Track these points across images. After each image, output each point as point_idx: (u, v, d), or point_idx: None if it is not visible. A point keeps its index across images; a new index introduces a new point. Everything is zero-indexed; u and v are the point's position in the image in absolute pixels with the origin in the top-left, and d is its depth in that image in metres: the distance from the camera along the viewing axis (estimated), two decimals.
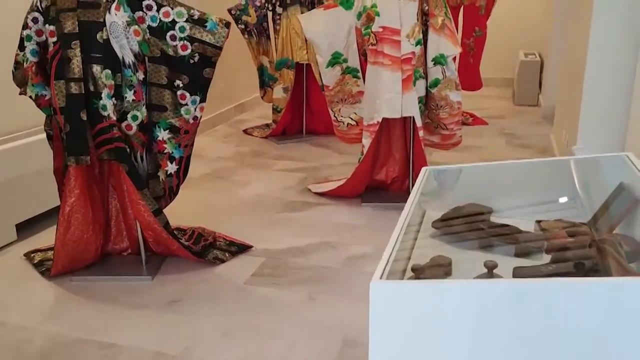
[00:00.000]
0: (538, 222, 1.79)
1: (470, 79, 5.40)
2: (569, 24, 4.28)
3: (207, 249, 2.89)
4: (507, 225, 1.73)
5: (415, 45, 3.26)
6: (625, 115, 2.93)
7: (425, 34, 3.34)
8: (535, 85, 6.41)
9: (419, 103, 3.32)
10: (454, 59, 3.36)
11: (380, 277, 1.18)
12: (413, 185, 3.56)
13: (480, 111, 5.95)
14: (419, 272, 1.39)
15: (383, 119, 3.33)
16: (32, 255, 2.88)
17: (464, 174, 2.06)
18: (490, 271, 1.40)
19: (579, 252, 1.32)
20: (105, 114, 2.42)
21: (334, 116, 3.62)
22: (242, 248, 2.96)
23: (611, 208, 1.70)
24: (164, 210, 2.69)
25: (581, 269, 1.36)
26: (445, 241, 1.74)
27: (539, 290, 1.08)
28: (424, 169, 1.92)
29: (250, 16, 4.75)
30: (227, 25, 2.57)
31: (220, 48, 2.56)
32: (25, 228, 3.20)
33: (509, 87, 7.32)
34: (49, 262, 2.77)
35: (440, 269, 1.49)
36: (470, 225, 1.75)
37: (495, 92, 7.00)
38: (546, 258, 1.60)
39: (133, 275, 2.69)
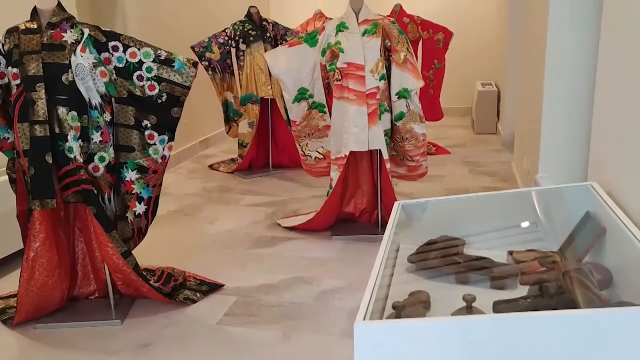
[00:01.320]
0: (510, 252, 1.83)
1: (431, 109, 5.53)
2: (522, 53, 4.45)
3: (178, 289, 2.84)
4: (482, 258, 1.76)
5: (379, 80, 3.33)
6: (585, 142, 3.04)
7: (388, 69, 3.42)
8: (494, 114, 6.61)
9: (384, 136, 3.38)
10: (417, 92, 3.44)
11: (364, 318, 1.18)
12: (381, 216, 3.62)
13: (442, 140, 6.08)
14: (399, 310, 1.39)
15: (350, 152, 3.37)
16: None
17: (435, 207, 2.10)
18: (469, 305, 1.42)
19: (553, 284, 1.35)
20: (72, 156, 2.38)
21: (302, 150, 3.64)
22: (213, 287, 2.91)
23: (579, 236, 1.75)
24: (132, 251, 2.63)
25: (547, 293, 1.40)
26: (422, 275, 1.75)
27: (521, 324, 1.10)
28: (396, 203, 1.95)
29: (213, 53, 4.77)
30: (195, 64, 2.58)
31: (188, 87, 2.56)
32: None
33: (467, 116, 7.52)
34: (11, 310, 2.67)
35: (419, 304, 1.51)
36: (445, 259, 1.78)
37: (455, 122, 7.18)
38: (521, 289, 1.64)
39: (101, 320, 2.61)
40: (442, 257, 1.78)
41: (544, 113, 3.21)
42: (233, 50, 4.93)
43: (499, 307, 1.29)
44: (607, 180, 1.80)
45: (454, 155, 5.63)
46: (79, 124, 2.41)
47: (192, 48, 4.73)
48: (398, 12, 5.62)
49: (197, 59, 2.96)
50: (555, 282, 1.37)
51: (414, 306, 1.46)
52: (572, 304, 1.21)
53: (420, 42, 5.62)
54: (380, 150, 3.38)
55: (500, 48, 6.59)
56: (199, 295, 2.83)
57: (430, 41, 5.60)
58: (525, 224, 1.94)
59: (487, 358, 1.12)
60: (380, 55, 3.34)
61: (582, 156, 3.09)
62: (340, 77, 3.33)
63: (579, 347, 1.09)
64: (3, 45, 2.38)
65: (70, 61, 2.36)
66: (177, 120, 2.60)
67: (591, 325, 1.09)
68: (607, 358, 1.07)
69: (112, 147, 2.51)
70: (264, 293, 2.87)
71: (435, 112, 5.67)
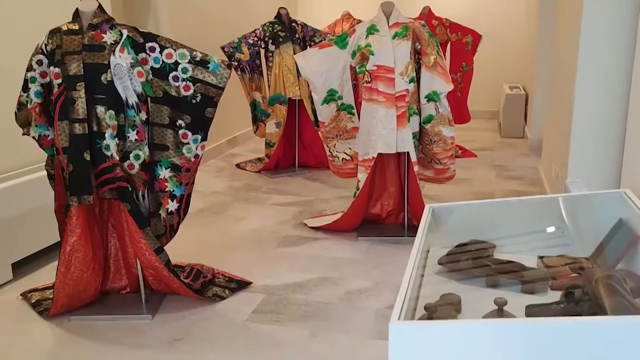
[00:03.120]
0: (541, 257, 1.84)
1: (458, 112, 5.51)
2: (552, 57, 4.42)
3: (207, 285, 2.89)
4: (512, 262, 1.77)
5: (409, 83, 3.34)
6: (616, 148, 3.02)
7: (418, 71, 3.43)
8: (521, 118, 6.56)
9: (413, 139, 3.39)
10: (446, 95, 3.44)
11: (399, 318, 1.20)
12: (408, 219, 3.63)
13: (469, 143, 6.06)
14: (431, 311, 1.41)
15: (378, 154, 3.39)
16: (29, 294, 2.85)
17: (464, 211, 2.11)
18: (500, 308, 1.43)
19: (586, 289, 1.36)
20: (109, 153, 2.45)
21: (329, 151, 3.68)
22: (241, 284, 2.96)
23: (612, 243, 1.75)
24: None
25: (571, 299, 1.40)
26: (452, 278, 1.77)
27: (554, 329, 1.12)
28: (427, 206, 1.97)
29: (243, 53, 4.83)
30: (229, 66, 2.63)
31: (223, 88, 2.61)
32: (21, 267, 3.17)
33: (494, 120, 7.48)
34: (47, 301, 2.75)
35: (450, 307, 1.52)
36: (475, 262, 1.79)
37: (481, 125, 7.15)
38: (552, 294, 1.65)
39: (133, 314, 2.67)
40: (472, 260, 1.79)
41: (574, 118, 3.19)
42: (262, 51, 4.99)
43: (532, 310, 1.30)
44: None
45: (481, 158, 5.61)
46: (116, 123, 2.47)
47: (222, 48, 4.80)
48: (427, 15, 5.62)
49: (231, 62, 3.01)
50: (587, 288, 1.38)
51: (446, 308, 1.48)
52: (604, 311, 1.21)
53: (449, 45, 5.61)
54: (408, 152, 3.39)
55: (529, 51, 6.53)
56: (227, 292, 2.88)
57: (459, 44, 5.59)
58: (555, 230, 1.94)
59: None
60: (410, 58, 3.35)
61: (613, 162, 3.07)
62: (369, 79, 3.36)
63: (612, 354, 1.10)
64: (46, 45, 2.46)
65: (109, 61, 2.43)
66: (211, 121, 2.65)
67: (625, 333, 1.10)
68: None
69: (147, 146, 2.57)
70: (291, 292, 2.91)
71: (462, 114, 5.65)
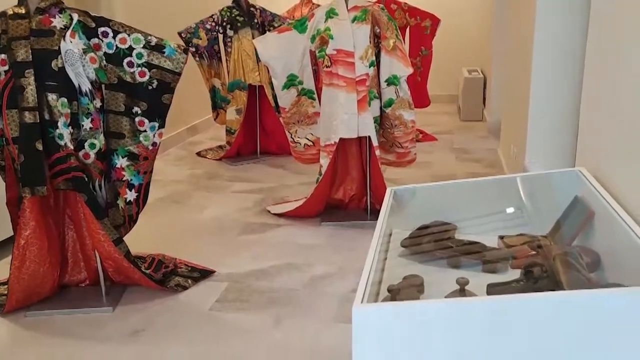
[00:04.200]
0: (501, 237, 1.87)
1: (418, 96, 5.54)
2: (509, 40, 4.48)
3: (169, 276, 2.85)
4: (474, 242, 1.79)
5: (369, 67, 3.33)
6: (573, 128, 3.08)
7: (377, 55, 3.42)
8: (480, 101, 6.64)
9: (374, 123, 3.39)
10: (406, 79, 3.45)
11: (362, 301, 1.20)
12: (370, 203, 3.64)
13: (429, 127, 6.11)
14: (394, 293, 1.42)
15: (340, 139, 3.38)
16: None
17: (426, 193, 2.12)
18: (462, 288, 1.45)
19: (544, 266, 1.39)
20: (62, 143, 2.37)
21: (291, 137, 3.65)
22: (204, 273, 2.92)
23: (568, 221, 1.79)
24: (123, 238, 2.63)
25: (530, 276, 1.43)
26: (414, 259, 1.78)
27: (514, 306, 1.13)
28: (389, 189, 1.97)
29: (201, 39, 4.74)
30: (185, 51, 2.57)
31: (179, 74, 2.55)
32: None
33: (453, 103, 7.56)
34: (1, 297, 2.66)
35: (413, 288, 1.53)
36: (437, 243, 1.81)
37: (441, 109, 7.21)
38: (513, 273, 1.67)
39: (93, 307, 2.61)
40: (434, 241, 1.81)
41: (532, 100, 3.25)
42: (220, 37, 4.90)
43: (493, 289, 1.32)
44: (596, 166, 1.83)
45: (441, 142, 5.66)
46: (69, 111, 2.39)
47: (179, 34, 4.69)
48: None
49: (188, 47, 2.95)
50: (546, 265, 1.41)
51: (409, 290, 1.49)
52: (562, 286, 1.24)
53: (408, 29, 5.62)
54: (369, 137, 3.39)
55: (486, 35, 6.61)
56: (190, 281, 2.84)
57: (418, 28, 5.60)
58: (514, 209, 1.97)
59: (482, 339, 1.15)
60: (370, 42, 3.34)
61: (570, 142, 3.13)
62: (329, 64, 3.34)
63: (569, 327, 1.12)
64: None
65: (59, 47, 2.34)
66: (168, 107, 2.60)
67: (582, 306, 1.12)
68: (597, 337, 1.10)
69: (102, 134, 2.49)
70: (255, 279, 2.89)
71: (422, 99, 5.69)
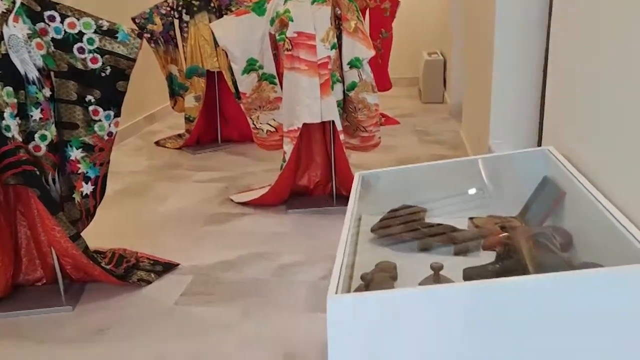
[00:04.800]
0: (471, 219, 1.84)
1: (380, 79, 5.48)
2: (467, 22, 4.48)
3: (130, 270, 2.74)
4: (443, 225, 1.76)
5: (331, 50, 3.27)
6: (536, 107, 3.10)
7: (339, 38, 3.36)
8: (440, 84, 6.66)
9: (337, 107, 3.34)
10: (368, 61, 3.40)
11: (336, 291, 1.15)
12: (336, 188, 3.60)
13: (391, 110, 6.09)
14: (367, 280, 1.37)
15: (303, 124, 3.31)
16: None
17: (393, 177, 2.08)
18: (436, 273, 1.42)
19: (519, 248, 1.36)
20: (9, 135, 2.23)
21: (253, 123, 3.56)
22: (167, 267, 2.83)
23: (538, 201, 1.78)
24: (81, 233, 2.51)
25: (506, 258, 1.41)
26: (385, 245, 1.75)
27: (494, 290, 1.10)
28: (357, 174, 1.93)
29: (156, 24, 4.57)
30: (140, 35, 2.45)
31: (134, 60, 2.43)
32: None
33: (414, 86, 7.56)
34: None
35: (386, 274, 1.49)
36: (407, 227, 1.77)
37: (402, 92, 7.20)
38: (484, 254, 1.65)
39: (52, 307, 2.49)
40: (404, 226, 1.77)
41: (494, 81, 3.24)
42: (176, 22, 4.74)
43: (469, 273, 1.29)
44: (564, 144, 1.82)
45: (403, 125, 5.64)
46: (15, 100, 2.25)
47: (133, 19, 4.52)
48: None
49: (142, 32, 2.82)
50: (520, 246, 1.38)
51: (382, 276, 1.45)
52: (539, 268, 1.21)
53: (367, 11, 5.56)
54: (333, 121, 3.33)
55: (445, 17, 6.62)
56: (153, 275, 2.75)
57: (377, 10, 5.55)
58: (483, 191, 1.95)
59: (461, 325, 1.12)
60: (331, 24, 3.28)
61: (533, 121, 3.15)
62: (290, 47, 3.25)
63: (551, 310, 1.10)
64: None
65: (1, 32, 2.19)
66: (123, 95, 2.48)
67: (563, 289, 1.10)
68: (580, 320, 1.08)
69: (54, 125, 2.36)
70: (221, 270, 2.82)
71: (384, 82, 5.65)
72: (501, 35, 3.15)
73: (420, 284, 1.42)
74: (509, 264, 1.28)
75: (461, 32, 5.50)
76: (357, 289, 1.37)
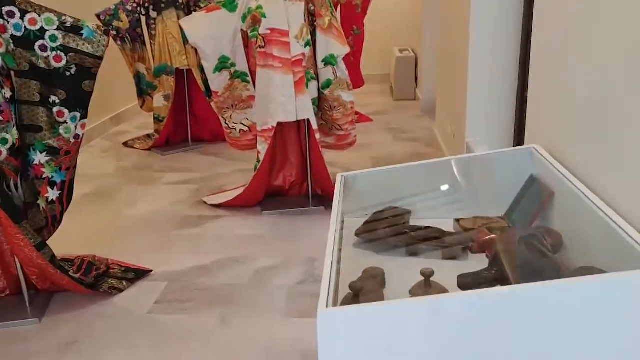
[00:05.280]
0: (457, 220, 1.79)
1: (352, 76, 5.42)
2: (441, 18, 4.46)
3: (101, 279, 2.63)
4: (430, 227, 1.71)
5: (305, 47, 3.19)
6: (510, 105, 3.09)
7: (313, 34, 3.28)
8: (412, 80, 6.65)
9: (312, 105, 3.27)
10: (343, 58, 3.34)
11: (327, 305, 1.08)
12: (312, 188, 3.52)
13: (364, 108, 6.02)
14: (356, 289, 1.31)
15: (277, 123, 3.23)
16: None
17: (375, 178, 2.02)
18: (427, 279, 1.36)
19: (512, 252, 1.31)
20: None
21: (225, 123, 3.46)
22: (140, 273, 2.72)
23: (525, 201, 1.74)
24: (47, 241, 2.39)
25: (501, 263, 1.36)
26: (371, 249, 1.68)
27: (495, 299, 1.05)
28: (338, 175, 1.86)
29: (122, 21, 4.42)
30: (106, 32, 2.33)
31: (101, 58, 2.31)
32: None
33: (386, 83, 7.54)
34: None
35: (375, 281, 1.43)
36: (393, 230, 1.71)
37: (374, 89, 7.17)
38: (472, 258, 1.60)
39: (16, 320, 2.36)
40: (390, 229, 1.71)
41: (470, 78, 3.21)
42: (143, 18, 4.60)
43: (464, 281, 1.23)
44: (551, 143, 1.78)
45: (377, 122, 5.59)
46: None
47: (97, 16, 4.35)
48: None
49: (107, 29, 2.70)
50: (513, 250, 1.34)
51: (371, 284, 1.38)
52: (536, 274, 1.16)
53: (339, 8, 5.49)
54: (308, 120, 3.26)
55: (417, 14, 6.60)
56: (125, 283, 2.63)
57: (349, 6, 5.47)
58: (468, 190, 1.91)
59: (458, 334, 1.06)
60: (305, 20, 3.20)
61: (509, 118, 3.14)
62: (263, 44, 3.17)
63: (550, 317, 1.05)
64: None
65: None
66: (90, 95, 2.36)
67: (564, 295, 1.05)
68: (582, 328, 1.03)
69: (15, 128, 2.22)
70: (196, 276, 2.72)
71: (356, 79, 5.56)
72: (476, 32, 3.12)
73: (411, 291, 1.36)
74: (503, 270, 1.23)
75: (434, 29, 5.49)
76: (346, 298, 1.31)
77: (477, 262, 1.55)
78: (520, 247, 1.37)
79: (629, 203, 1.33)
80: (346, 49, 3.30)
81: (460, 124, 3.46)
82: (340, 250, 1.59)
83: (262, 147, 3.32)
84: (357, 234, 1.70)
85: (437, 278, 1.41)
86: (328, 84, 3.32)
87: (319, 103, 3.40)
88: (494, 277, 1.22)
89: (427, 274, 1.34)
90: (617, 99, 1.40)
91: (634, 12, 1.33)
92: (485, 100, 3.20)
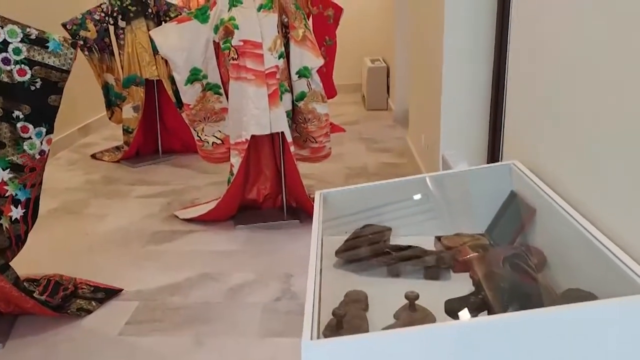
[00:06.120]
0: (438, 238, 1.77)
1: (325, 87, 5.41)
2: (412, 28, 4.47)
3: (68, 299, 2.53)
4: (412, 247, 1.67)
5: (279, 59, 3.15)
6: (484, 117, 3.10)
7: (286, 46, 3.24)
8: (384, 90, 6.66)
9: (286, 117, 3.22)
10: (318, 70, 3.31)
11: (311, 337, 1.03)
12: (286, 201, 3.47)
13: (336, 118, 5.98)
14: (339, 316, 1.26)
15: (251, 135, 3.17)
16: None
17: (354, 194, 1.98)
18: (412, 303, 1.32)
19: (498, 274, 1.29)
20: None
21: (197, 136, 3.39)
22: (110, 293, 2.63)
23: (506, 217, 1.72)
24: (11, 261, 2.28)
25: (488, 287, 1.33)
26: (352, 270, 1.64)
27: (486, 328, 1.01)
28: (317, 192, 1.81)
29: (89, 31, 4.31)
30: (74, 45, 2.25)
31: (68, 72, 2.23)
32: None
33: (357, 93, 7.54)
34: None
35: (358, 305, 1.39)
36: (374, 250, 1.67)
37: (346, 99, 7.15)
38: (455, 277, 1.58)
39: None
40: (370, 249, 1.67)
41: (444, 89, 3.21)
42: (111, 28, 4.49)
43: (451, 307, 1.20)
44: (530, 159, 1.77)
45: (349, 132, 5.56)
46: None
47: (64, 25, 4.23)
48: None
49: (75, 40, 2.61)
50: (499, 271, 1.31)
51: (354, 310, 1.34)
52: (526, 300, 1.14)
53: (311, 18, 5.47)
54: (283, 132, 3.21)
55: (387, 24, 6.63)
56: (94, 304, 2.54)
57: (321, 17, 5.45)
58: (447, 207, 1.88)
59: None
60: (278, 32, 3.16)
61: (484, 131, 3.14)
62: (236, 56, 3.11)
63: (541, 346, 1.02)
64: None
65: None
66: (56, 110, 2.27)
67: (557, 324, 1.02)
68: (576, 354, 1.01)
69: None
70: (169, 294, 2.64)
71: (329, 89, 5.51)
72: (450, 43, 3.12)
73: (395, 315, 1.32)
74: (491, 294, 1.20)
75: (406, 39, 5.51)
76: (329, 325, 1.26)
77: (461, 283, 1.53)
78: (504, 267, 1.34)
79: (611, 220, 1.32)
80: (320, 61, 3.27)
81: (435, 135, 3.45)
82: (320, 272, 1.55)
83: (236, 160, 3.26)
84: (337, 254, 1.66)
85: (421, 300, 1.37)
86: (302, 96, 3.28)
87: (293, 115, 3.36)
88: (481, 302, 1.19)
89: (412, 298, 1.30)
90: (602, 115, 1.39)
91: (612, 27, 1.33)
92: (459, 112, 3.19)
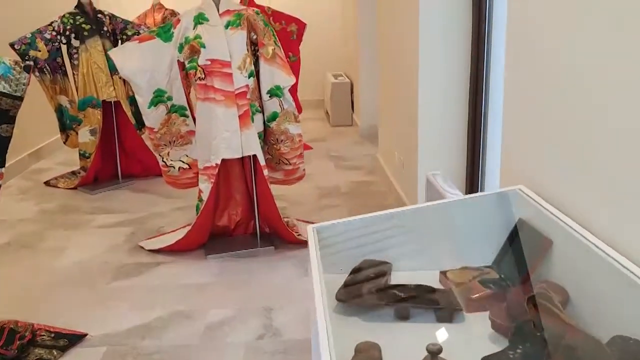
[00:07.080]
0: (443, 273, 1.63)
1: None
2: (380, 44, 4.39)
3: (26, 349, 2.28)
4: (418, 286, 1.53)
5: (249, 78, 2.99)
6: (462, 136, 3.02)
7: (256, 64, 3.09)
8: (348, 106, 6.56)
9: (258, 139, 3.05)
10: (290, 89, 3.16)
11: None
12: (259, 226, 3.28)
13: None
14: None
15: (222, 160, 2.99)
16: None
17: (350, 227, 1.82)
18: (434, 357, 1.18)
19: (531, 323, 1.15)
20: None
21: (162, 161, 3.18)
22: (73, 339, 2.39)
23: (515, 248, 1.60)
24: None
25: (523, 339, 1.20)
26: (356, 315, 1.48)
27: None
28: (310, 228, 1.65)
29: (39, 51, 4.04)
30: (27, 69, 2.03)
31: (21, 98, 2.01)
32: None
33: (320, 108, 7.43)
34: None
35: None
36: (377, 290, 1.52)
37: (309, 115, 7.03)
38: (469, 318, 1.44)
39: None
40: (373, 289, 1.52)
41: (420, 106, 3.12)
42: (64, 47, 4.23)
43: None
44: (535, 183, 1.66)
45: (316, 150, 5.45)
46: None
47: (12, 46, 3.95)
48: (248, 2, 5.27)
49: (28, 62, 2.38)
50: (530, 319, 1.18)
51: None
52: (573, 353, 1.01)
53: None
54: (254, 155, 3.04)
55: (350, 39, 6.55)
56: (55, 352, 2.29)
57: (284, 33, 5.31)
58: (448, 239, 1.75)
59: None
60: (247, 50, 3.00)
61: (464, 149, 3.06)
62: (203, 76, 2.93)
63: None
64: None
65: None
66: (8, 141, 2.05)
67: None
68: None
69: None
70: (140, 338, 2.42)
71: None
72: (426, 60, 3.04)
73: None
74: (532, 349, 1.06)
75: (371, 54, 5.42)
76: None
77: (477, 325, 1.40)
78: (529, 308, 1.21)
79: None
80: (292, 79, 3.11)
81: (411, 152, 3.35)
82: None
83: (205, 186, 3.07)
84: (338, 299, 1.50)
85: (444, 352, 1.23)
86: (274, 116, 3.12)
87: (265, 137, 3.20)
88: (522, 358, 1.05)
89: (435, 351, 1.15)
90: (619, 135, 1.29)
91: (610, 44, 1.23)
92: (437, 129, 3.11)
